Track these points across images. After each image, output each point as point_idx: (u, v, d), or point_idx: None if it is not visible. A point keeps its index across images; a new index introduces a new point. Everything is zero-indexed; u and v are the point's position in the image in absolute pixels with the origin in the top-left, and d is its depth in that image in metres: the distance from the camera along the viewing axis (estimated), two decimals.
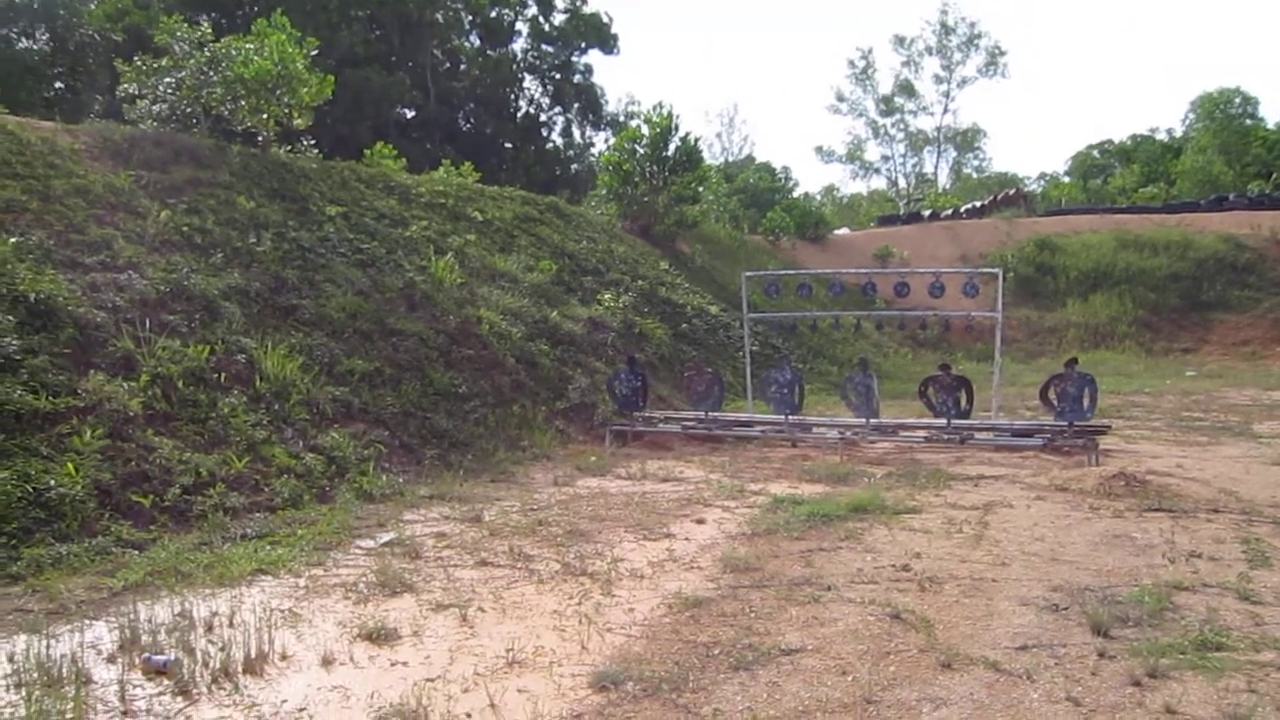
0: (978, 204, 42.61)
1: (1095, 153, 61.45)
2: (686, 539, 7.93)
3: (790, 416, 14.03)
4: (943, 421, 13.41)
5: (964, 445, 12.79)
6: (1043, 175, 66.90)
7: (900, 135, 67.88)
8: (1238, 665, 4.82)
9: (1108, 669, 4.82)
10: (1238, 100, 50.17)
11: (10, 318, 8.76)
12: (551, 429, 13.32)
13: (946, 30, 63.92)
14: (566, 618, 5.80)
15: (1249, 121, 49.77)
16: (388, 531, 8.05)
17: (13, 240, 9.91)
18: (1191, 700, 4.41)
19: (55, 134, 13.05)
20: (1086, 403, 13.12)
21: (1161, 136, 58.64)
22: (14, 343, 8.49)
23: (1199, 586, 6.27)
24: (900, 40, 65.60)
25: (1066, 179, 60.72)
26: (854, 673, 4.82)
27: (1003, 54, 63.55)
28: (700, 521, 8.61)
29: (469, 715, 4.39)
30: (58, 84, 31.27)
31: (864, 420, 13.64)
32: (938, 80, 65.74)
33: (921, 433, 13.37)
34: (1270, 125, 49.83)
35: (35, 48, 31.26)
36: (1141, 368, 25.32)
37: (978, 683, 4.69)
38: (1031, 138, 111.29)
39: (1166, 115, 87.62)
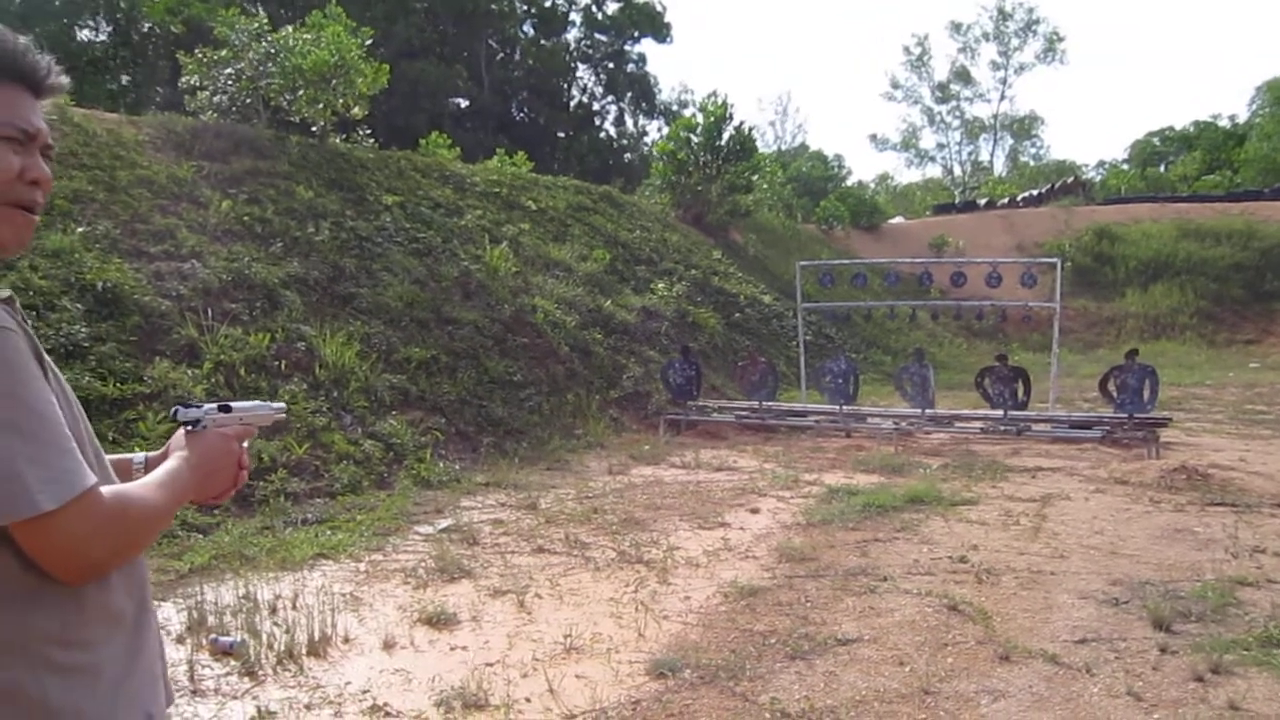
0: (1035, 192, 42.10)
1: (1155, 140, 60.20)
2: (741, 528, 7.95)
3: (845, 407, 13.98)
4: (1000, 413, 13.29)
5: (1021, 437, 12.67)
6: (1101, 163, 65.72)
7: (956, 123, 67.34)
8: None
9: (1169, 664, 4.76)
10: None
11: (79, 306, 8.98)
12: (605, 418, 13.38)
13: (1004, 16, 63.24)
14: (623, 605, 5.84)
15: None
16: (445, 518, 8.15)
17: (80, 230, 10.14)
18: (1256, 697, 4.34)
19: (120, 125, 13.31)
20: (1147, 395, 12.95)
21: (1224, 123, 57.40)
22: (83, 330, 8.70)
23: (1263, 582, 6.16)
24: (956, 26, 65.15)
25: (1126, 167, 59.63)
26: (911, 664, 4.81)
27: (1061, 40, 62.84)
28: (755, 511, 8.62)
29: (528, 699, 4.44)
30: (122, 76, 31.81)
31: (919, 411, 13.55)
32: (994, 67, 65.14)
33: (978, 424, 13.25)
34: None
35: (98, 40, 31.82)
36: (1203, 359, 24.90)
37: (1036, 675, 4.65)
38: (1090, 125, 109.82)
39: (1230, 101, 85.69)
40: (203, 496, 1.58)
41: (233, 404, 1.65)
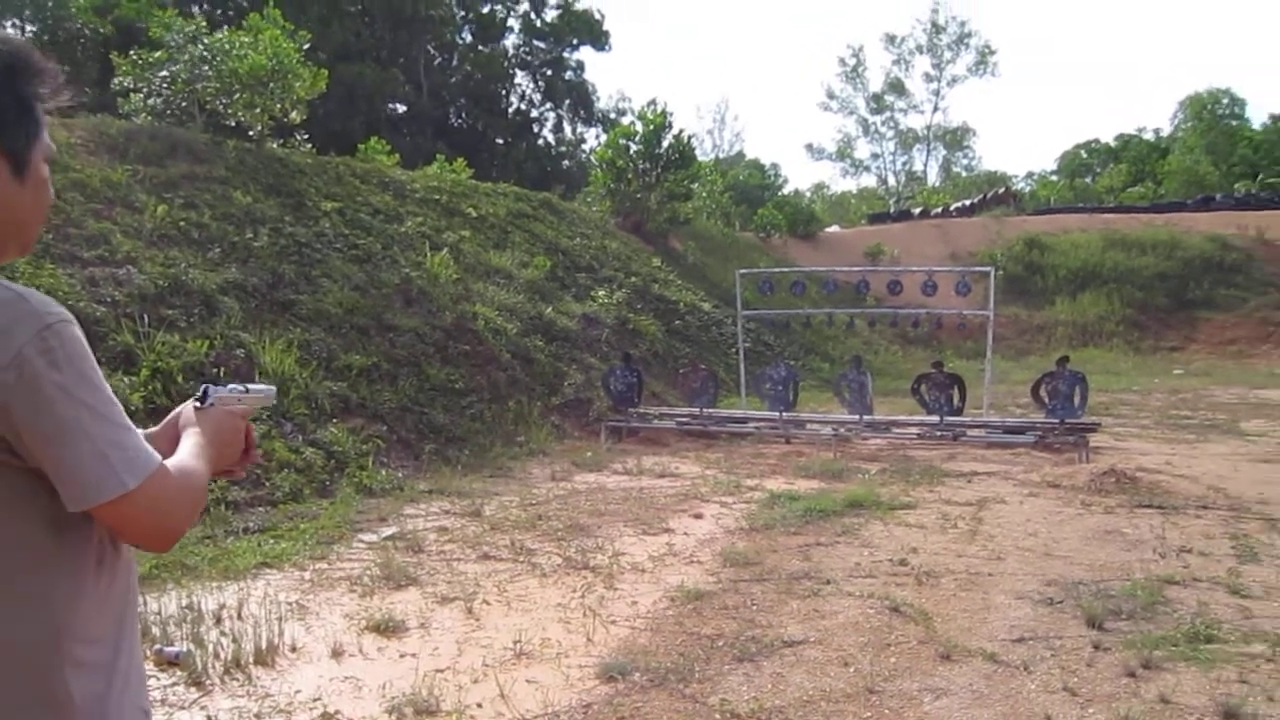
0: (967, 202, 42.80)
1: (1083, 152, 61.72)
2: (685, 534, 8.02)
3: (784, 413, 14.13)
4: (936, 418, 13.53)
5: (956, 442, 12.91)
6: (1031, 174, 67.17)
7: (890, 133, 68.17)
8: (1229, 657, 4.92)
9: (1103, 660, 4.92)
10: (1225, 101, 50.53)
11: None
12: (547, 425, 13.38)
13: (937, 29, 64.20)
14: (571, 610, 5.88)
15: (1235, 122, 50.10)
16: (389, 526, 8.12)
17: None
18: (1185, 690, 4.51)
19: (51, 128, 13.03)
20: (1077, 400, 13.28)
21: (1149, 136, 58.93)
22: None
23: (1190, 581, 6.38)
24: (891, 38, 65.90)
25: (1055, 178, 60.94)
26: (856, 664, 4.91)
27: (993, 53, 63.81)
28: (698, 516, 8.70)
29: (480, 705, 4.46)
30: None
31: (857, 417, 13.75)
32: (928, 79, 66.10)
33: (915, 429, 13.48)
34: (1256, 126, 50.23)
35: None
36: (1130, 366, 25.51)
37: (976, 674, 4.78)
38: (1020, 136, 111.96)
39: (1154, 115, 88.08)
40: (215, 469, 1.65)
41: (250, 385, 1.77)
